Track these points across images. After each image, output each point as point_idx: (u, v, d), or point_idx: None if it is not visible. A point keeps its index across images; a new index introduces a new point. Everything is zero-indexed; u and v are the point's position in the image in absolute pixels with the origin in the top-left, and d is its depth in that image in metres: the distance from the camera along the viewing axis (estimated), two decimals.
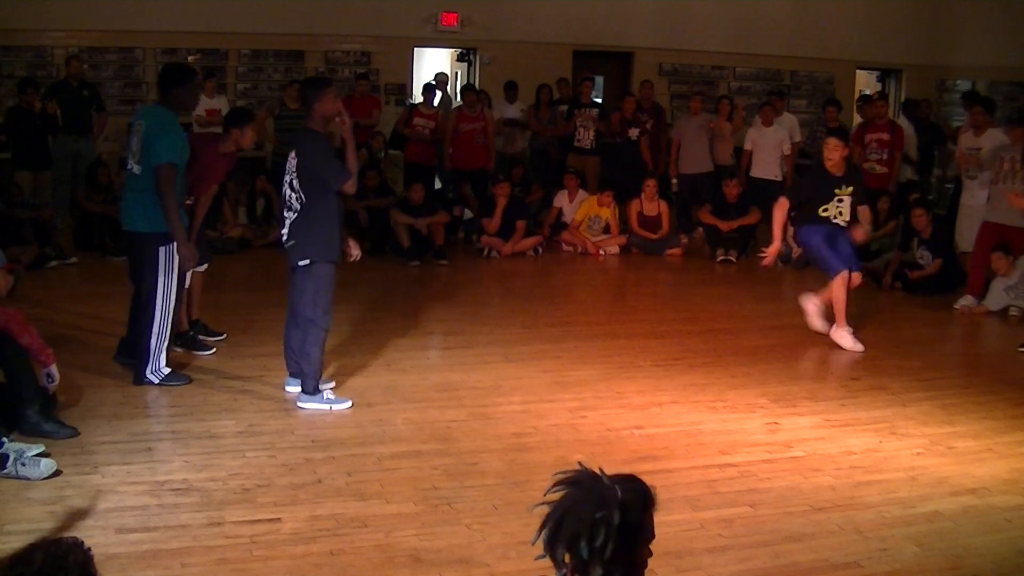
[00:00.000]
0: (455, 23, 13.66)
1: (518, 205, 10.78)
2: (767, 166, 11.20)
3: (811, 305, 7.45)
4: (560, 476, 2.16)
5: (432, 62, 16.28)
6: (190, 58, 12.28)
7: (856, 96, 14.03)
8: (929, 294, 8.98)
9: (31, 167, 10.69)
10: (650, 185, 10.96)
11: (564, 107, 12.14)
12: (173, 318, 5.85)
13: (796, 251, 9.07)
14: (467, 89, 11.98)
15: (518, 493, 4.42)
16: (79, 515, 4.06)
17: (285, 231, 5.51)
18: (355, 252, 5.86)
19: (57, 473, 4.41)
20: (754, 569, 3.87)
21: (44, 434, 4.77)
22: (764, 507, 4.41)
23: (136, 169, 5.66)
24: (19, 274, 6.23)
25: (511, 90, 12.36)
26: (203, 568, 3.70)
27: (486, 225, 10.61)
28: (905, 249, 9.47)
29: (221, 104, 11.13)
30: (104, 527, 3.97)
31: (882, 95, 12.80)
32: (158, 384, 5.73)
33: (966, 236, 9.12)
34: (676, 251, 10.93)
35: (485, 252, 10.55)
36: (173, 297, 5.77)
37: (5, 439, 4.46)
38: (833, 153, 7.27)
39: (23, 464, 4.34)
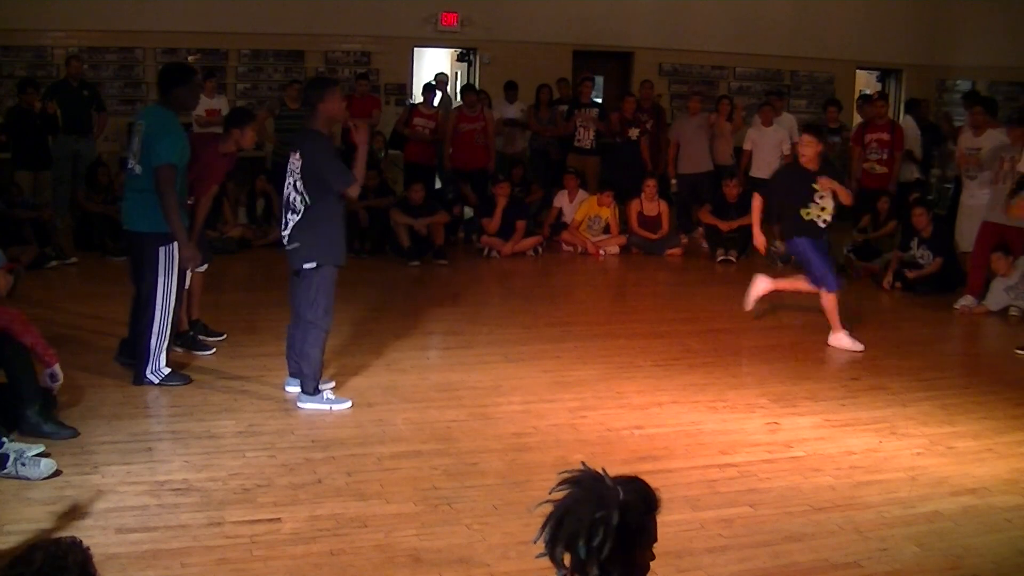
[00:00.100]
0: (455, 23, 13.66)
1: (518, 205, 10.78)
2: (767, 166, 11.17)
3: (760, 286, 7.54)
4: (564, 475, 2.16)
5: (432, 62, 16.29)
6: (190, 58, 12.28)
7: (856, 96, 14.04)
8: (929, 294, 8.98)
9: (31, 167, 10.69)
10: (650, 185, 10.96)
11: (564, 107, 12.15)
12: (173, 318, 5.85)
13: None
14: (467, 89, 11.98)
15: (518, 493, 4.42)
16: (79, 515, 4.06)
17: (287, 233, 5.47)
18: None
19: (57, 473, 4.41)
20: (754, 569, 3.87)
21: (44, 435, 4.77)
22: (764, 507, 4.41)
23: (137, 169, 5.65)
24: (19, 274, 6.22)
25: (511, 90, 12.36)
26: (203, 568, 3.70)
27: (486, 225, 10.61)
28: (905, 249, 9.47)
29: (221, 104, 11.14)
30: (104, 527, 3.97)
31: (882, 95, 12.80)
32: (158, 384, 5.73)
33: (966, 236, 9.12)
34: (676, 251, 10.93)
35: (485, 252, 10.55)
36: (173, 297, 5.77)
37: (5, 439, 4.46)
38: (807, 149, 7.31)
39: (23, 464, 4.34)
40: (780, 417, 5.64)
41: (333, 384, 5.84)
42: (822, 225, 7.29)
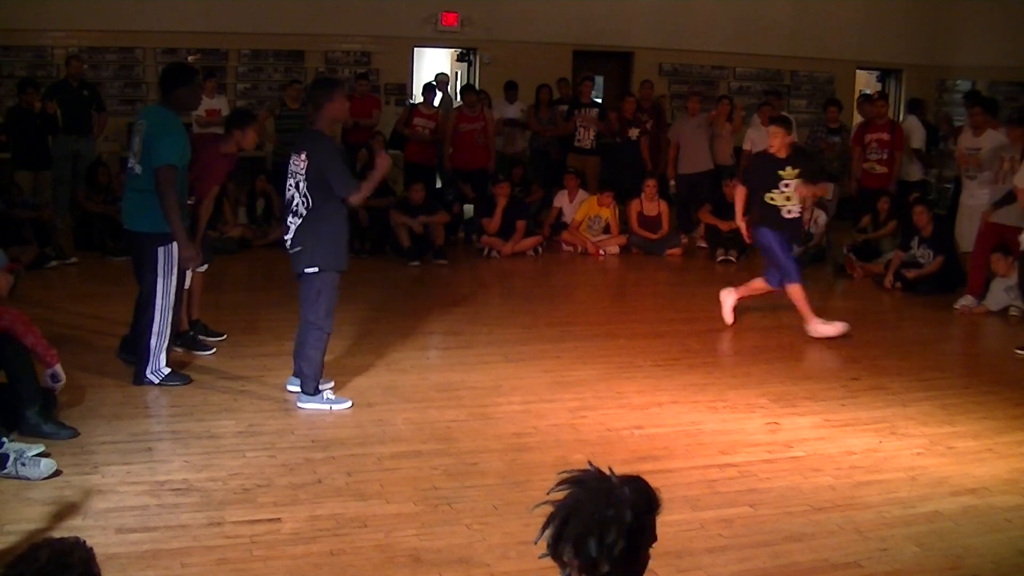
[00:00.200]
0: (455, 23, 13.66)
1: (518, 205, 10.78)
2: None
3: (728, 301, 7.69)
4: (565, 475, 2.16)
5: (432, 62, 16.29)
6: (190, 58, 12.27)
7: (856, 96, 14.04)
8: (929, 294, 8.98)
9: (31, 167, 10.69)
10: (650, 185, 10.96)
11: (564, 107, 12.15)
12: (173, 318, 5.85)
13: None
14: (467, 89, 11.99)
15: (518, 493, 4.42)
16: (79, 515, 4.07)
17: (289, 236, 5.43)
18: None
19: (57, 473, 4.41)
20: (754, 569, 3.87)
21: (44, 435, 4.77)
22: (764, 507, 4.41)
23: (137, 169, 5.65)
24: (19, 274, 6.22)
25: (511, 90, 12.36)
26: (203, 568, 3.70)
27: (486, 225, 10.61)
28: (906, 248, 9.47)
29: (221, 104, 11.14)
30: (104, 527, 3.97)
31: (882, 95, 12.80)
32: (158, 384, 5.73)
33: (966, 236, 9.12)
34: (676, 251, 10.93)
35: (485, 252, 10.55)
36: (173, 297, 5.77)
37: (5, 439, 4.46)
38: (773, 139, 7.54)
39: (23, 464, 4.34)
40: (780, 417, 5.64)
41: (333, 384, 5.83)
42: (786, 216, 7.43)
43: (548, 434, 5.27)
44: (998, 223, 8.37)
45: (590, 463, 2.20)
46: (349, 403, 5.57)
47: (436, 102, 12.12)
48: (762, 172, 7.58)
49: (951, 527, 4.27)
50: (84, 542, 2.15)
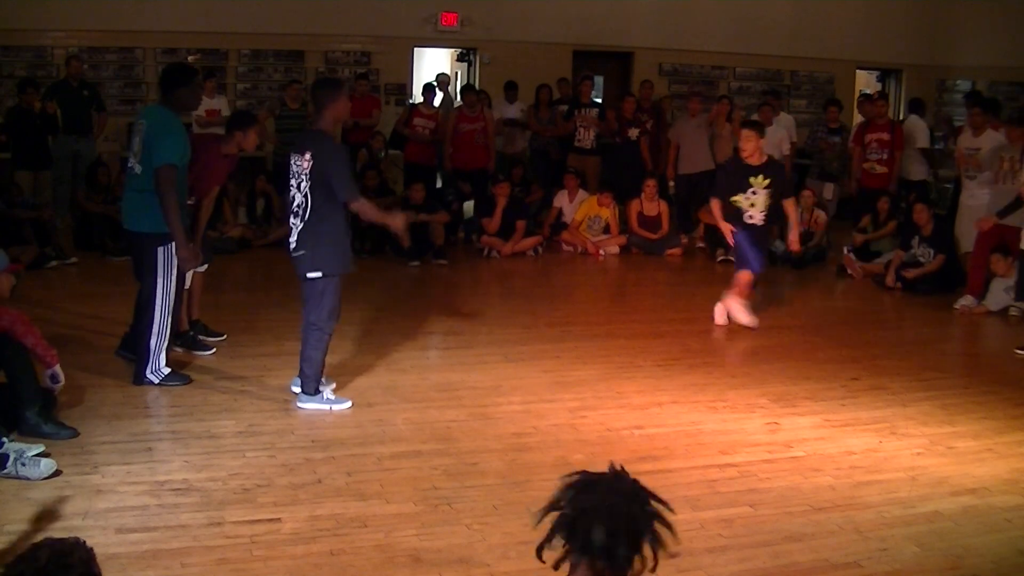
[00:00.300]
0: (455, 23, 13.66)
1: (518, 205, 10.78)
2: None
3: (734, 304, 7.66)
4: (574, 477, 2.14)
5: (432, 62, 16.29)
6: (190, 58, 12.27)
7: (856, 96, 14.04)
8: (929, 293, 8.99)
9: (31, 167, 10.69)
10: (650, 185, 10.96)
11: (564, 107, 12.15)
12: (173, 318, 5.85)
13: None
14: (467, 89, 11.99)
15: (518, 493, 4.42)
16: (79, 515, 4.06)
17: (293, 239, 5.40)
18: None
19: (57, 473, 4.41)
20: (754, 569, 3.87)
21: (44, 435, 4.77)
22: (764, 507, 4.41)
23: (137, 169, 5.65)
24: (19, 274, 6.22)
25: (511, 90, 12.37)
26: (203, 568, 3.70)
27: (486, 225, 10.61)
28: (907, 248, 9.47)
29: (221, 104, 11.15)
30: (104, 527, 3.97)
31: (882, 95, 12.81)
32: (158, 384, 5.73)
33: (966, 236, 9.12)
34: (676, 251, 10.93)
35: (485, 252, 10.55)
36: (173, 297, 5.77)
37: (5, 439, 4.46)
38: (746, 143, 7.59)
39: (23, 464, 4.35)
40: (780, 417, 5.65)
41: (333, 384, 5.83)
42: (747, 220, 7.55)
43: (548, 434, 5.27)
44: (998, 223, 8.37)
45: (612, 463, 2.18)
46: (349, 403, 5.57)
47: (436, 102, 12.12)
48: (732, 177, 7.66)
49: (951, 527, 4.28)
50: (84, 542, 2.15)
